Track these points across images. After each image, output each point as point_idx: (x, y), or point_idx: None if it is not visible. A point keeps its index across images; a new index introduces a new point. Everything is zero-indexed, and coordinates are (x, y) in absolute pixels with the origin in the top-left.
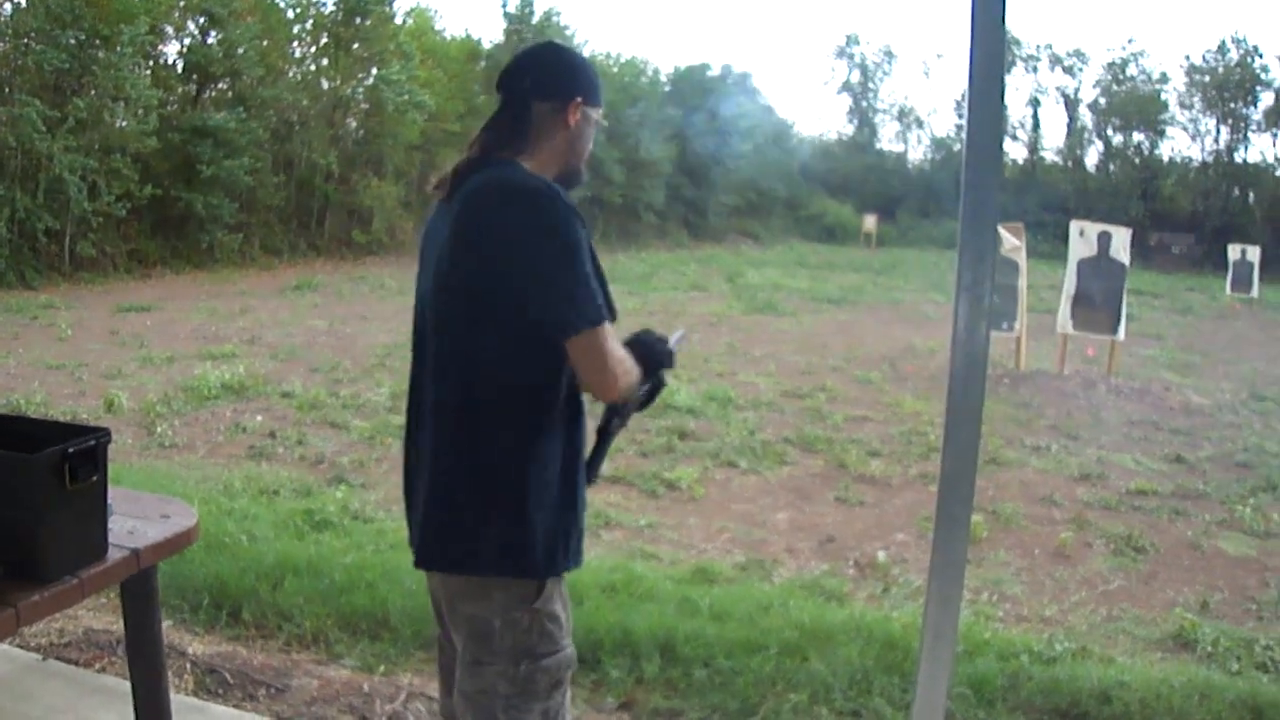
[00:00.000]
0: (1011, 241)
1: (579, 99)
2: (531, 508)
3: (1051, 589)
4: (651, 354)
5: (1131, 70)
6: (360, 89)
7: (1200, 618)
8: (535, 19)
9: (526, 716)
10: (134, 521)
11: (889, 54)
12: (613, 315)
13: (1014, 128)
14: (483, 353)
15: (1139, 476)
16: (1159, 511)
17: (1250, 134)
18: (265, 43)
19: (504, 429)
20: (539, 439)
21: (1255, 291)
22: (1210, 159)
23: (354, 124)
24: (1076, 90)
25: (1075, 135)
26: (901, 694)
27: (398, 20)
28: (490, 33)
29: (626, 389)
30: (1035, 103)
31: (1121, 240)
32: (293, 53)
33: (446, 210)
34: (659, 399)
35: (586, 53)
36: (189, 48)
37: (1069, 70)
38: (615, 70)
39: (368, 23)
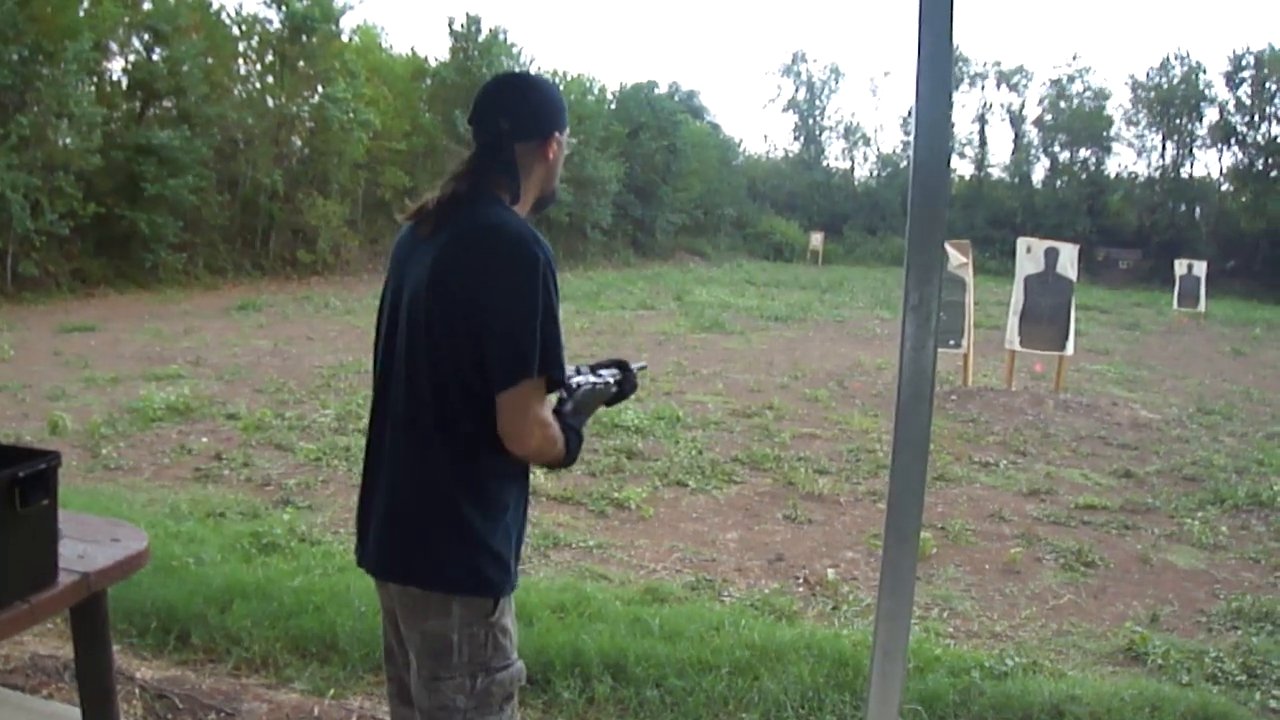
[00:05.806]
0: (958, 259)
1: (556, 133)
2: (492, 525)
3: (1001, 604)
4: (574, 431)
5: (1076, 87)
6: (306, 107)
7: (1150, 630)
8: (481, 37)
9: None
10: (83, 545)
11: (836, 71)
12: (559, 372)
13: (961, 144)
14: (452, 378)
15: (1088, 491)
16: (1108, 526)
17: (1196, 149)
18: (210, 60)
19: (469, 450)
20: (500, 460)
21: (1202, 306)
22: (1156, 174)
23: (299, 142)
24: (1022, 106)
25: (1022, 151)
26: (853, 711)
27: (344, 38)
28: (436, 50)
29: (537, 453)
30: (982, 119)
31: (1069, 256)
32: (238, 70)
33: (430, 243)
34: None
35: (532, 71)
36: (133, 64)
37: (1014, 87)
38: (561, 88)
39: (313, 40)
